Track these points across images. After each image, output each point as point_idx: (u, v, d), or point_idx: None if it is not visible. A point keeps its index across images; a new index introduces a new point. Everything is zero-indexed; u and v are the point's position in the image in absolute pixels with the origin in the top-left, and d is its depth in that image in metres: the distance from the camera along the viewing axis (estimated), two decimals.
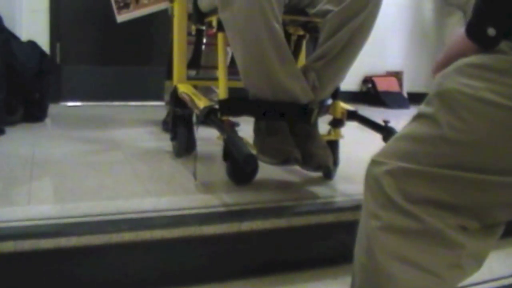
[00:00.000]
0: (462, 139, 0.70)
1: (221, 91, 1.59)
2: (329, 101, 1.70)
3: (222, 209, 1.40)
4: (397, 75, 4.67)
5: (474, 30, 0.75)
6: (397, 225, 0.73)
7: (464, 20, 4.52)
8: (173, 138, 2.00)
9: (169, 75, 2.13)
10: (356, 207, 0.83)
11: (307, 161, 1.51)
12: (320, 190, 1.63)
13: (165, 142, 2.17)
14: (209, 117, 1.55)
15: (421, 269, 0.73)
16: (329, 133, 1.79)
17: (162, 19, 2.69)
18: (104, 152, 2.08)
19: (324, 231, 1.43)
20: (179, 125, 1.94)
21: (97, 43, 3.75)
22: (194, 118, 1.92)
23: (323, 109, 1.66)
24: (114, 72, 3.78)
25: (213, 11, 1.62)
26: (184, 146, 1.93)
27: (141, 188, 1.56)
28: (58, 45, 3.59)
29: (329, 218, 1.44)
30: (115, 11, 2.09)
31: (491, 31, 0.73)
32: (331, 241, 1.43)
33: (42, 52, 2.88)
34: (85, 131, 2.60)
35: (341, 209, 1.49)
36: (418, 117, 0.76)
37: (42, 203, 1.39)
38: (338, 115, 1.77)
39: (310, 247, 1.42)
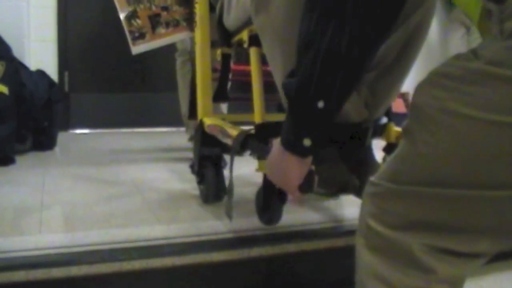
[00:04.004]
0: (433, 153, 0.68)
1: (257, 114, 1.38)
2: (384, 120, 1.43)
3: (230, 235, 1.40)
4: (404, 96, 4.68)
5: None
6: (375, 244, 0.75)
7: (467, 36, 4.53)
8: (200, 182, 1.75)
9: (191, 113, 1.82)
10: None
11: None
12: (329, 214, 1.62)
13: (171, 169, 2.17)
14: (246, 144, 1.34)
15: None
16: (383, 160, 1.48)
17: (169, 46, 2.71)
18: (113, 180, 2.09)
19: (334, 255, 1.43)
20: (207, 166, 1.69)
21: (104, 71, 3.80)
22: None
23: (378, 129, 1.39)
24: (122, 99, 3.82)
25: (244, 25, 1.45)
26: (213, 191, 1.68)
27: (151, 215, 1.56)
28: (66, 74, 3.64)
29: (338, 242, 1.44)
30: (130, 42, 1.89)
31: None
32: (341, 265, 1.42)
33: (50, 81, 2.92)
34: (94, 158, 2.62)
35: (350, 233, 1.48)
36: (403, 133, 0.75)
37: (53, 232, 1.40)
38: (392, 139, 1.46)
39: (320, 272, 1.42)
